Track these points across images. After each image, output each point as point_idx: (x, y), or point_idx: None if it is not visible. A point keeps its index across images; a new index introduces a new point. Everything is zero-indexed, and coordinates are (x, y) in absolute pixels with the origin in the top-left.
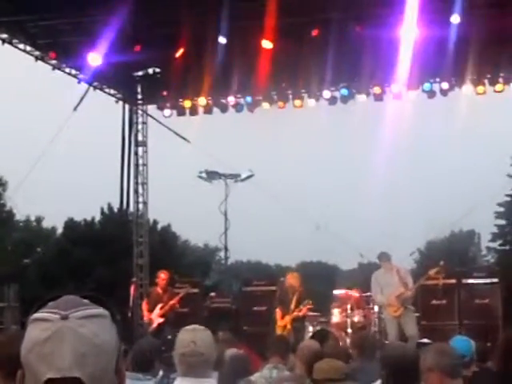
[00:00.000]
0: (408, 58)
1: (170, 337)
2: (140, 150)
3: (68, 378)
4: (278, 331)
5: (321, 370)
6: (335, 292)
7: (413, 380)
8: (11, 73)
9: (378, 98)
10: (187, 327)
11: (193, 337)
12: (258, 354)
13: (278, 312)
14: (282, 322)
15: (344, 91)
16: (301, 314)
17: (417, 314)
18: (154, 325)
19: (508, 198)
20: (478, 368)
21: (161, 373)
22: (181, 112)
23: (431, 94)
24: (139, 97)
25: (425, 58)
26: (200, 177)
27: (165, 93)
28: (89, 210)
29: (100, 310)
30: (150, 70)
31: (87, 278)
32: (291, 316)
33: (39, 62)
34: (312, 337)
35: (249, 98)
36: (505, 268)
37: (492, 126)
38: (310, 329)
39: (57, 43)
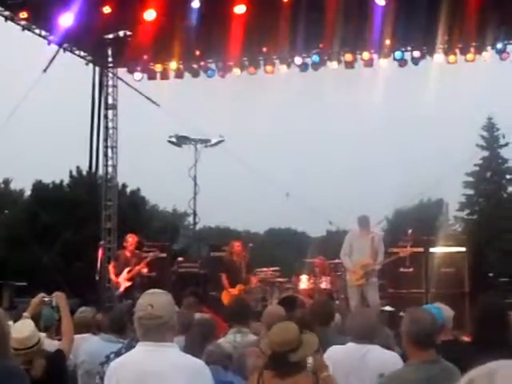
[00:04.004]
0: (380, 26)
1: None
2: (110, 113)
3: None
4: (227, 299)
5: (276, 334)
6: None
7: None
8: None
9: (350, 65)
10: (148, 291)
11: (150, 300)
12: (225, 319)
13: (224, 278)
14: (235, 290)
15: (315, 58)
16: (253, 286)
17: (382, 282)
18: (121, 288)
19: (476, 168)
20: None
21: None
22: (151, 76)
23: (402, 62)
24: (110, 59)
25: (396, 26)
26: (170, 141)
27: (135, 56)
28: (57, 173)
29: None
30: (121, 33)
31: (55, 240)
32: (246, 287)
33: (9, 23)
34: (279, 302)
35: (220, 64)
36: (472, 237)
37: (462, 95)
38: (278, 295)
39: (27, 3)
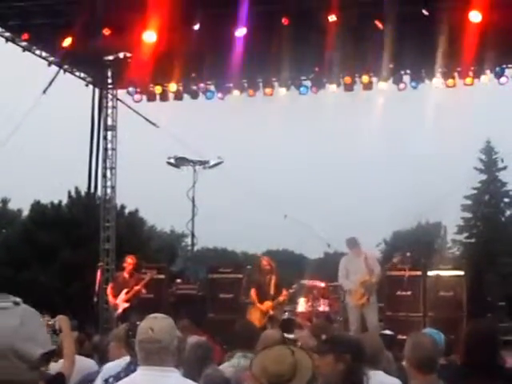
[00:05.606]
0: (379, 49)
1: (138, 322)
2: (109, 134)
3: None
4: (256, 315)
5: (270, 365)
6: (302, 281)
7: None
8: None
9: (349, 88)
10: (150, 315)
11: (151, 324)
12: (223, 342)
13: (254, 293)
14: (263, 306)
15: (314, 80)
16: (282, 299)
17: (381, 305)
18: (120, 310)
19: (474, 191)
20: (445, 361)
21: (128, 358)
22: (151, 97)
23: (402, 85)
24: (109, 81)
25: (395, 50)
26: (169, 163)
27: (135, 78)
28: (56, 193)
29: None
30: (121, 55)
31: (53, 261)
32: (275, 302)
33: (9, 44)
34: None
35: (219, 85)
36: (470, 261)
37: (461, 119)
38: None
39: (28, 25)
